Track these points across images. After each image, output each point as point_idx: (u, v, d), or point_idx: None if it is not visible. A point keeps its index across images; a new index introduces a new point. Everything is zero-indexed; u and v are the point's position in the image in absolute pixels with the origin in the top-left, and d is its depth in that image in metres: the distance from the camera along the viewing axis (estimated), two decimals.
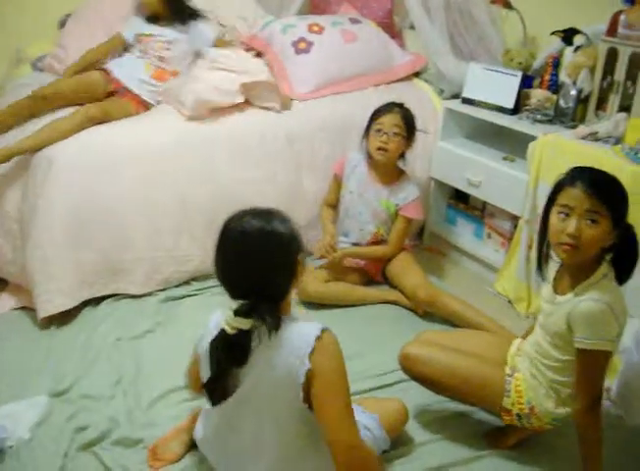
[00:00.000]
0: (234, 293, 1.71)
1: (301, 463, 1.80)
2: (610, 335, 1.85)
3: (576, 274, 1.94)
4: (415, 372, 2.20)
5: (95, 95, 3.08)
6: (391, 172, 3.09)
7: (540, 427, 2.10)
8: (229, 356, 1.69)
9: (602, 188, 1.83)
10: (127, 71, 3.18)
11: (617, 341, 1.90)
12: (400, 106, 3.03)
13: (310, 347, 1.64)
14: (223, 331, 1.68)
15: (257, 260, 1.65)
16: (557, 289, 2.01)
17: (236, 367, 1.71)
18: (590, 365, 1.89)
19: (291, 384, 1.65)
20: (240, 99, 3.15)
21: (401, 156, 3.09)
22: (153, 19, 3.32)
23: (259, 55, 3.53)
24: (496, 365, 2.16)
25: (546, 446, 2.23)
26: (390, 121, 2.97)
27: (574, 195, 1.84)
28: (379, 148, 2.97)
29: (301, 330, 1.68)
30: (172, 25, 3.30)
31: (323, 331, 1.68)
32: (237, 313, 1.66)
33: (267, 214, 1.70)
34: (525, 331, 2.29)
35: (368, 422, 2.02)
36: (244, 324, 1.66)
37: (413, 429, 2.28)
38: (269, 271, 1.67)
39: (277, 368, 1.66)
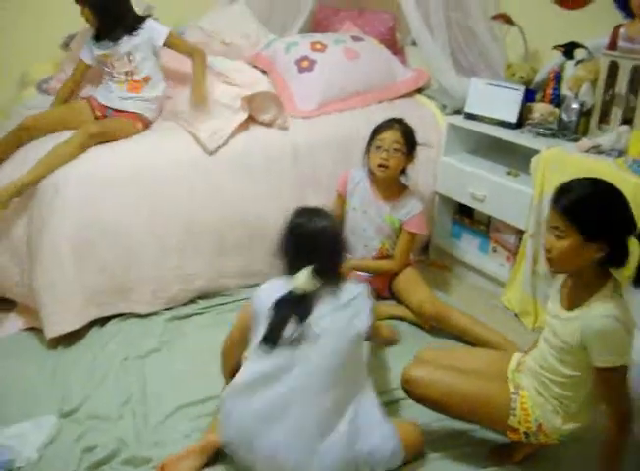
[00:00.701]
0: (300, 267, 2.04)
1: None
2: (625, 349, 1.87)
3: (581, 289, 1.95)
4: (418, 395, 2.19)
5: (84, 120, 3.09)
6: (393, 187, 3.09)
7: (546, 442, 2.10)
8: (296, 313, 2.02)
9: (563, 204, 1.87)
10: (105, 94, 3.19)
11: (630, 353, 1.91)
12: (400, 122, 3.04)
13: (366, 291, 2.15)
14: (290, 292, 2.03)
15: (326, 247, 2.13)
16: (563, 304, 2.01)
17: (301, 321, 2.02)
18: (613, 382, 1.90)
19: (360, 318, 2.09)
20: (244, 115, 3.17)
21: (403, 171, 3.10)
22: (102, 36, 3.15)
23: (263, 73, 3.55)
24: (499, 383, 2.16)
25: (552, 461, 2.23)
26: (390, 137, 2.98)
27: (548, 211, 1.94)
28: (379, 165, 2.98)
29: (351, 284, 2.16)
30: (121, 36, 3.13)
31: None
32: (306, 277, 2.02)
33: (321, 213, 2.17)
34: (532, 344, 2.29)
35: (388, 432, 2.10)
36: (312, 286, 2.02)
37: None
38: (333, 251, 2.16)
39: (347, 310, 2.08)
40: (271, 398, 2.01)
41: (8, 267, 2.91)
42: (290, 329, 2.01)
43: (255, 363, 2.06)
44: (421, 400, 2.20)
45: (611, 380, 1.89)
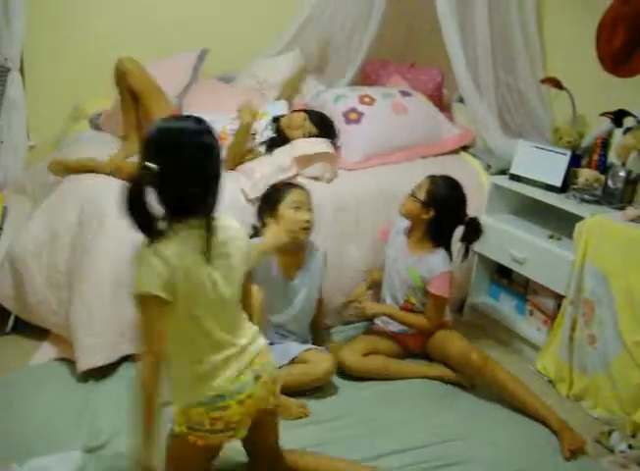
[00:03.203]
0: None
1: None
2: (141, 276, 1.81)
3: None
4: None
5: None
6: (423, 240, 3.01)
7: None
8: None
9: None
10: None
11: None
12: (441, 178, 3.00)
13: None
14: None
15: None
16: None
17: None
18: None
19: None
20: (293, 173, 3.20)
21: (436, 228, 2.98)
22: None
23: None
24: None
25: None
26: (419, 184, 2.99)
27: None
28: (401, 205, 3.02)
29: None
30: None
31: None
32: None
33: None
34: None
35: None
36: None
37: None
38: None
39: None
40: None
41: (47, 296, 2.94)
42: None
43: None
44: None
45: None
